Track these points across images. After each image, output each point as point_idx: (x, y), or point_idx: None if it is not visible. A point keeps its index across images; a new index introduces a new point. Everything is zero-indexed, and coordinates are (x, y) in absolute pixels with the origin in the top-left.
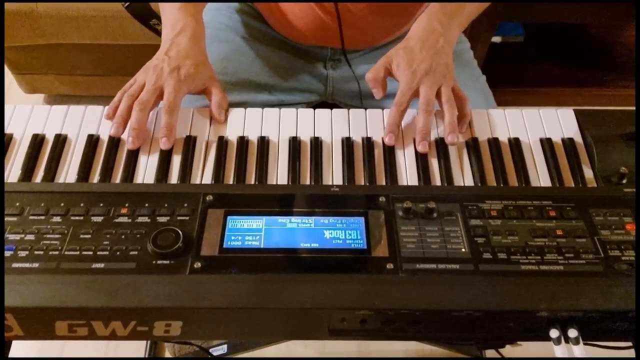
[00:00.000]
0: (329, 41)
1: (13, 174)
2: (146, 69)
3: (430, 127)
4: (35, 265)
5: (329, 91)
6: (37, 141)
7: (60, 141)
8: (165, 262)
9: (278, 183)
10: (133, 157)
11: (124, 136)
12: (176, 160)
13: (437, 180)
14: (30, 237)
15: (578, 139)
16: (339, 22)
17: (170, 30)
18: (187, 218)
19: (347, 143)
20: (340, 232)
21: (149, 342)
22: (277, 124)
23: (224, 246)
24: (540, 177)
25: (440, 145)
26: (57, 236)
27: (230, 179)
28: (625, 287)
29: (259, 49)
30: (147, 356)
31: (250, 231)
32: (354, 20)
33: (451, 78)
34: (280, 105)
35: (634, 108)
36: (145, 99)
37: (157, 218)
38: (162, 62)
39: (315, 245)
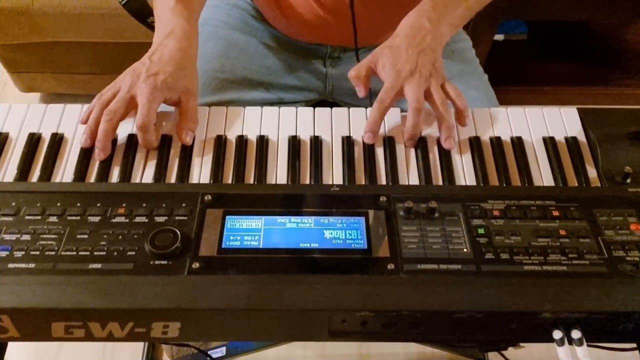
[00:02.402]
0: (328, 38)
1: (9, 173)
2: (125, 73)
3: (420, 125)
4: (32, 265)
5: (329, 89)
6: (33, 140)
7: (57, 140)
8: (163, 262)
9: (277, 182)
10: (130, 156)
11: (122, 135)
12: (174, 160)
13: (438, 180)
14: (27, 237)
15: (582, 138)
16: (353, 19)
17: (160, 32)
18: (186, 218)
19: (348, 142)
20: (341, 232)
21: (146, 344)
22: (277, 123)
23: (223, 246)
24: (543, 176)
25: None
26: (53, 236)
27: (229, 178)
28: (629, 287)
29: (257, 47)
30: (144, 359)
31: (249, 231)
32: (358, 18)
33: (439, 76)
34: (279, 103)
35: (638, 107)
36: (114, 108)
37: (155, 218)
38: (142, 66)
39: (315, 245)
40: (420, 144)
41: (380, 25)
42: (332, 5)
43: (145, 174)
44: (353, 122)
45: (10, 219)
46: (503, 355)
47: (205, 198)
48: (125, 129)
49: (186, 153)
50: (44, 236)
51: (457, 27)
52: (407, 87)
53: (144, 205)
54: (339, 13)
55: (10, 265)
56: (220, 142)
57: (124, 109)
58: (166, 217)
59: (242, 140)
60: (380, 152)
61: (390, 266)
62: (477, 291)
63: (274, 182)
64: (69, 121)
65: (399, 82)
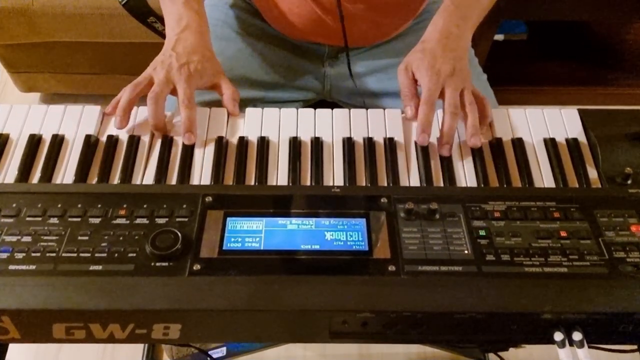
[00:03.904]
0: (327, 38)
1: (10, 174)
2: (153, 65)
3: (455, 130)
4: (32, 267)
5: (327, 89)
6: (34, 141)
7: (58, 141)
8: (164, 264)
9: (278, 184)
10: (131, 157)
11: (123, 136)
12: (175, 161)
13: (439, 181)
14: (27, 238)
15: (582, 138)
16: (342, 19)
17: (174, 26)
18: (186, 219)
19: (348, 143)
20: (342, 234)
21: (146, 345)
22: (277, 124)
23: (224, 248)
24: (544, 177)
25: None
26: (54, 238)
27: (229, 179)
28: (630, 289)
29: (255, 46)
30: (144, 359)
31: (250, 233)
32: (353, 18)
33: (470, 82)
34: (277, 102)
35: (638, 107)
36: (159, 90)
37: (156, 219)
38: (169, 57)
39: (316, 247)
40: (421, 145)
41: (379, 25)
42: (329, 4)
43: (146, 175)
44: (354, 123)
45: (11, 220)
46: (500, 357)
47: (206, 199)
48: (125, 129)
49: (187, 154)
50: (45, 237)
51: (476, 26)
52: (447, 89)
53: (145, 206)
54: (336, 12)
55: (11, 267)
56: (221, 143)
57: (167, 92)
58: (167, 219)
59: (242, 142)
60: (380, 153)
61: (391, 267)
62: (478, 292)
63: (274, 184)
64: (70, 122)
65: (440, 82)
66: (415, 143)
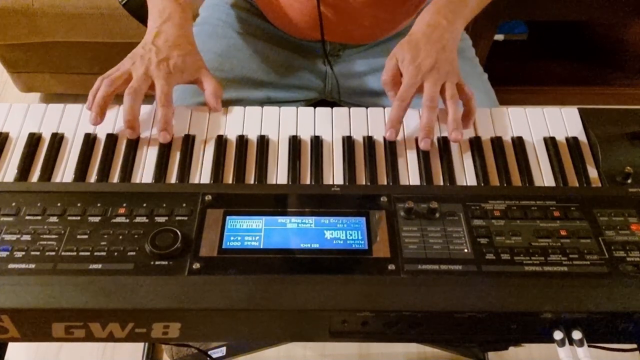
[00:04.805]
0: (328, 34)
1: (9, 173)
2: (132, 58)
3: (433, 124)
4: (32, 266)
5: (328, 88)
6: (34, 140)
7: (57, 140)
8: (163, 263)
9: (278, 183)
10: (131, 156)
11: (122, 135)
12: (174, 160)
13: (439, 180)
14: (27, 237)
15: (582, 138)
16: (319, 10)
17: (157, 17)
18: (186, 218)
19: (348, 142)
20: (341, 233)
21: (146, 344)
22: (277, 123)
23: (223, 247)
24: (544, 176)
25: (443, 144)
26: (53, 237)
27: (229, 178)
28: (630, 288)
29: (256, 45)
30: (144, 359)
31: (250, 231)
32: (354, 13)
33: (455, 74)
34: (278, 102)
35: (638, 107)
36: (137, 85)
37: (155, 218)
38: (149, 52)
39: (315, 245)
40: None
41: (380, 21)
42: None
43: (145, 173)
44: (354, 121)
45: (10, 219)
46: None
47: (206, 198)
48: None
49: (186, 153)
50: (45, 236)
51: (468, 21)
52: (426, 83)
53: (145, 205)
54: (338, 8)
55: (11, 266)
56: (220, 142)
57: (145, 88)
58: (166, 217)
59: (242, 140)
60: (380, 152)
61: (391, 266)
62: (477, 291)
63: (274, 182)
64: (69, 121)
65: (419, 78)
66: (416, 141)
